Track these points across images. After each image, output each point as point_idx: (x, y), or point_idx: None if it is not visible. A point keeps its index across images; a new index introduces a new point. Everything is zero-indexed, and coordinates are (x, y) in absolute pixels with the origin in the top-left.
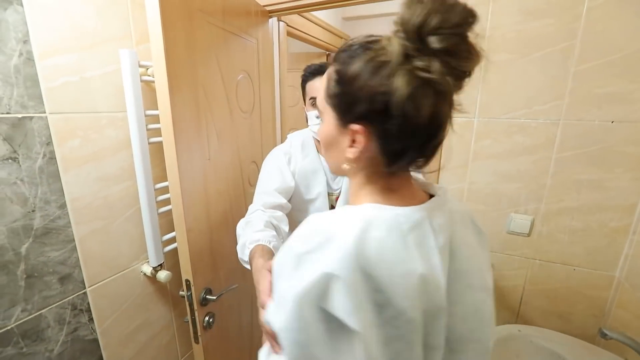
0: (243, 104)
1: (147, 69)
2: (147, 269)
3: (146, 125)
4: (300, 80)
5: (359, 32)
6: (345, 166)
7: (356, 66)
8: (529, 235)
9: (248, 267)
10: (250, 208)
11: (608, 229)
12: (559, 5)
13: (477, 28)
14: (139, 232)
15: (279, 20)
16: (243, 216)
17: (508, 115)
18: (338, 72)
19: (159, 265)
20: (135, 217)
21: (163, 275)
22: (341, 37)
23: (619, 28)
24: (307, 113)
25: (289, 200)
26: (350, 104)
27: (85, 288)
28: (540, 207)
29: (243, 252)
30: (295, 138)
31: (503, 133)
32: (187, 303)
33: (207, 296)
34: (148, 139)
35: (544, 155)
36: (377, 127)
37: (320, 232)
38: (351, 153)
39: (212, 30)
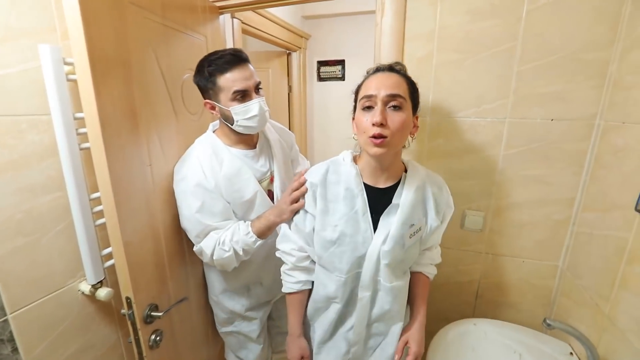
0: (191, 104)
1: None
2: (86, 287)
3: (76, 129)
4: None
5: (319, 31)
6: (403, 142)
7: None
8: (481, 230)
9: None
10: (206, 245)
11: (551, 221)
12: (503, 6)
13: (428, 29)
14: (74, 247)
15: (232, 17)
16: None
17: (459, 114)
18: (413, 83)
19: (98, 283)
20: (69, 231)
21: (103, 293)
22: (301, 36)
23: (556, 31)
24: (231, 109)
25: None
26: (418, 101)
27: (5, 315)
28: (491, 203)
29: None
30: (200, 148)
31: (455, 132)
32: (129, 322)
33: (153, 313)
34: (79, 144)
35: (493, 153)
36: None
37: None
38: (415, 131)
39: (149, 26)
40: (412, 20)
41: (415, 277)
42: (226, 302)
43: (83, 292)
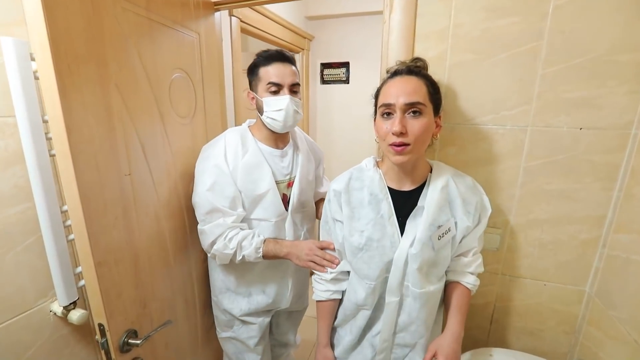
0: (180, 107)
1: None
2: (58, 308)
3: (46, 134)
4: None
5: (323, 32)
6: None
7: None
8: (498, 249)
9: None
10: (211, 230)
11: (578, 241)
12: (524, 2)
13: (440, 27)
14: (45, 263)
15: (230, 15)
16: (182, 238)
17: (475, 120)
18: (433, 83)
19: (71, 304)
20: (39, 246)
21: (76, 316)
22: (305, 37)
23: (587, 29)
24: (263, 99)
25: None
26: (439, 101)
27: None
28: (509, 220)
29: (253, 249)
30: (231, 135)
31: (469, 140)
32: (101, 352)
33: (130, 340)
34: (50, 150)
35: (512, 164)
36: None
37: None
38: (437, 131)
39: (131, 19)
40: (423, 17)
41: (451, 287)
42: (226, 302)
43: (55, 314)
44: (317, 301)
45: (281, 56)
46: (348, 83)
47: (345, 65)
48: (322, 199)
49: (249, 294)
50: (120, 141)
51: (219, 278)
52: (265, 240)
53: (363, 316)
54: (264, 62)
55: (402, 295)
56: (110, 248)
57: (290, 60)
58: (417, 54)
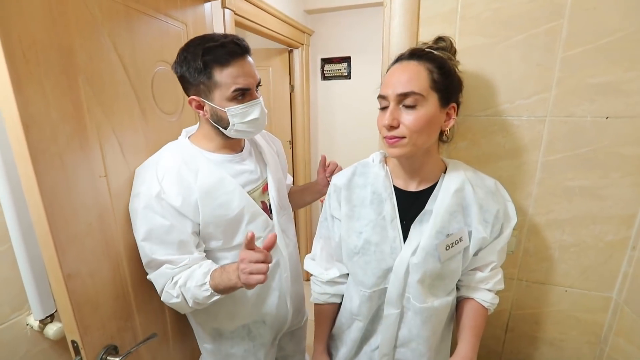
0: (164, 103)
1: None
2: (35, 322)
3: None
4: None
5: (323, 26)
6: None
7: (452, 63)
8: (514, 252)
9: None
10: (156, 280)
11: (604, 243)
12: None
13: (448, 8)
14: (19, 274)
15: (223, 6)
16: None
17: (487, 111)
18: (443, 67)
19: (48, 317)
20: (10, 256)
21: (52, 330)
22: (304, 32)
23: (614, 4)
24: (227, 110)
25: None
26: (452, 89)
27: None
28: (526, 220)
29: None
30: (165, 160)
31: (481, 133)
32: None
33: (109, 357)
34: None
35: (530, 159)
36: (457, 102)
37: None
38: (448, 125)
39: (103, 4)
40: None
41: (463, 304)
42: (223, 351)
43: (32, 327)
44: (315, 304)
45: (242, 50)
46: (350, 78)
47: (347, 60)
48: (292, 191)
49: (248, 331)
50: (92, 140)
51: (203, 322)
52: (211, 272)
53: (357, 328)
54: (220, 61)
55: (403, 308)
56: (82, 258)
57: (248, 50)
58: (421, 40)
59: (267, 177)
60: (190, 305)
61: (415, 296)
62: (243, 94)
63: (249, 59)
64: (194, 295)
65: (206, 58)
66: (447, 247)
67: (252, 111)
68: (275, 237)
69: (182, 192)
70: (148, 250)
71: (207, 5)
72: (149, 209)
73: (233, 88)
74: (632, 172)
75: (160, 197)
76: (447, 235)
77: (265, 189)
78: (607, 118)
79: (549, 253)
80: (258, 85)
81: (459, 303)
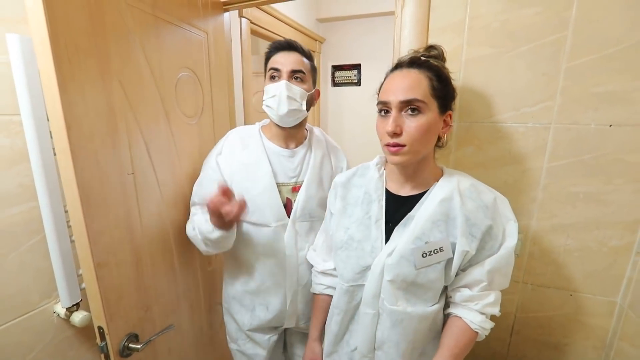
0: (186, 106)
1: None
2: (62, 310)
3: (51, 132)
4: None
5: (334, 34)
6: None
7: (446, 71)
8: (519, 256)
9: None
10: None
11: (607, 248)
12: None
13: (456, 19)
14: (50, 264)
15: (240, 16)
16: (188, 241)
17: (493, 118)
18: (441, 75)
19: (74, 305)
20: (44, 246)
21: (78, 318)
22: (315, 40)
23: (618, 16)
24: (265, 87)
25: None
26: (449, 96)
27: None
28: (531, 225)
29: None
30: (234, 133)
31: (487, 139)
32: (102, 356)
33: (131, 344)
34: (54, 148)
35: (534, 165)
36: (451, 110)
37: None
38: (444, 132)
39: (135, 15)
40: (437, 10)
41: (450, 321)
42: (233, 312)
43: (59, 315)
44: (313, 294)
45: (287, 45)
46: (360, 85)
47: (357, 67)
48: None
49: (253, 307)
50: (122, 139)
51: (229, 281)
52: None
53: (335, 322)
54: (272, 52)
55: (379, 309)
56: (111, 249)
57: (297, 49)
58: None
59: (303, 181)
60: (200, 239)
61: (386, 297)
62: (275, 75)
63: (295, 53)
64: (200, 229)
65: (267, 53)
66: (424, 254)
67: (274, 88)
68: (244, 204)
69: (230, 160)
70: (193, 193)
71: (227, 14)
72: (207, 164)
73: (269, 68)
74: (636, 178)
75: (216, 159)
76: (425, 243)
77: (295, 189)
78: (610, 126)
79: (553, 257)
80: (295, 73)
81: (447, 319)
